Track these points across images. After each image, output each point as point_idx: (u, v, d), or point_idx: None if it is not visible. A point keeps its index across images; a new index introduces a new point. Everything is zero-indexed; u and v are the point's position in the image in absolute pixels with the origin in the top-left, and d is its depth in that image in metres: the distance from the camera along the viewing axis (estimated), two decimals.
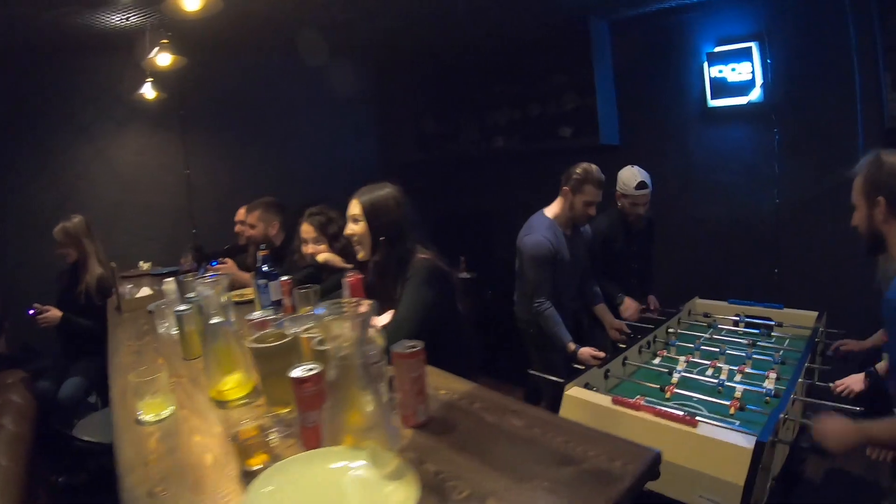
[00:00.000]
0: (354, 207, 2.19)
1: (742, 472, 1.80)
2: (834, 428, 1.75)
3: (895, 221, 1.75)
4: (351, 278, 2.22)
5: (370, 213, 2.16)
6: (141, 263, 4.69)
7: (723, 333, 3.18)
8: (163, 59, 3.71)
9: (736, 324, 3.29)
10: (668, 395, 2.44)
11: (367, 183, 2.26)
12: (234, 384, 1.72)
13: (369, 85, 6.39)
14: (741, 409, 2.23)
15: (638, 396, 2.31)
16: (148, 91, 4.30)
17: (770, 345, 2.98)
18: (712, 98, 4.19)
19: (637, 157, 3.61)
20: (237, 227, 3.99)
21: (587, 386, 2.48)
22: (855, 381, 2.38)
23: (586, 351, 2.80)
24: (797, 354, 2.71)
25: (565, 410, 2.32)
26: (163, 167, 5.22)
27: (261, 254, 2.63)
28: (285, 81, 5.66)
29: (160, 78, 4.23)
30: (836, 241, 3.77)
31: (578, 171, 2.91)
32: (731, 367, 2.65)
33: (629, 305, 3.38)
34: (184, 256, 4.25)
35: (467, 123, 5.74)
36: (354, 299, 1.39)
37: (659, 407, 2.13)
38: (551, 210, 3.04)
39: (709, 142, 4.31)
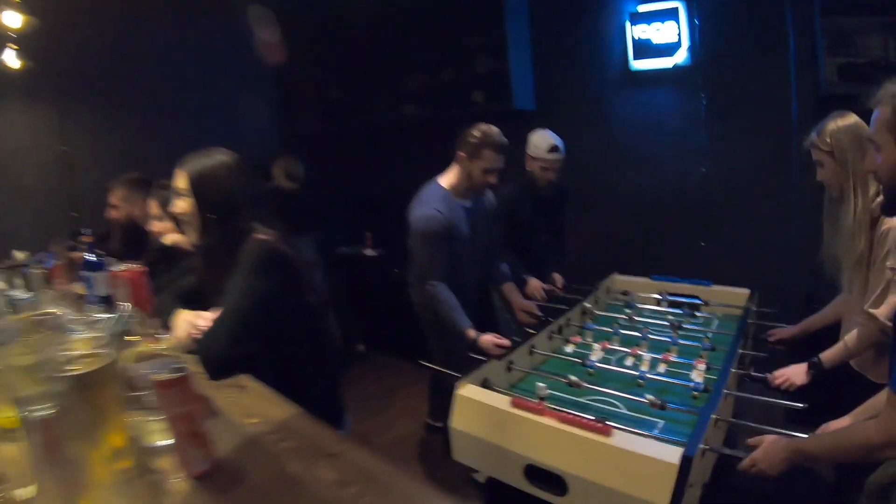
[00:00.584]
0: (180, 180, 1.76)
1: (666, 492, 1.44)
2: (764, 454, 1.51)
3: None
4: (126, 271, 1.56)
5: (197, 185, 1.74)
6: (15, 253, 3.94)
7: (644, 315, 2.83)
8: (10, 18, 3.35)
9: (658, 303, 2.96)
10: (580, 389, 2.05)
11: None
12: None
13: (269, 52, 5.74)
14: (663, 407, 1.86)
15: (540, 386, 1.91)
16: (10, 59, 3.87)
17: (697, 327, 2.64)
18: (635, 60, 3.94)
19: (554, 122, 3.36)
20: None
21: (485, 383, 2.07)
22: (796, 373, 2.05)
23: (488, 339, 2.41)
24: (728, 338, 2.38)
25: (458, 415, 1.91)
26: (37, 145, 4.65)
27: (85, 239, 2.10)
28: (176, 48, 5.12)
29: (25, 45, 3.84)
30: (767, 213, 3.61)
31: (476, 133, 2.51)
32: (655, 356, 2.29)
33: (531, 284, 3.04)
34: (56, 244, 3.55)
35: (377, 91, 5.36)
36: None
37: (566, 412, 1.72)
38: (446, 179, 2.63)
39: (631, 107, 4.07)
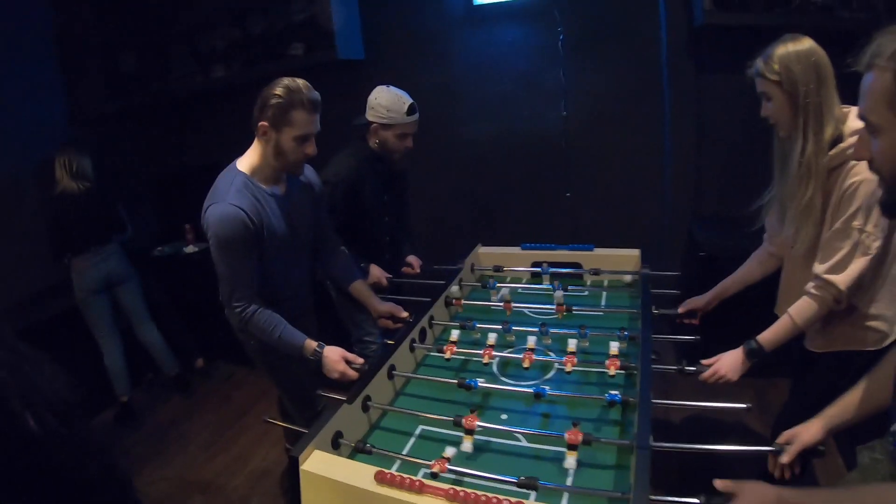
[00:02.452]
0: None
1: None
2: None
3: None
4: None
5: None
6: None
7: (524, 298, 2.38)
8: None
9: (540, 278, 2.50)
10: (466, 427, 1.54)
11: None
12: None
13: (43, 20, 4.70)
14: (585, 442, 1.42)
15: (446, 457, 1.39)
16: None
17: (597, 311, 2.25)
18: None
19: (387, 72, 3.14)
20: None
21: (336, 440, 1.53)
22: (731, 366, 1.73)
23: (333, 359, 1.88)
24: (625, 317, 2.00)
25: (308, 499, 1.40)
26: None
27: None
28: None
29: None
30: (639, 158, 3.41)
31: (278, 92, 1.85)
32: (557, 361, 1.86)
33: (372, 274, 2.54)
34: None
35: (177, 54, 4.64)
36: None
37: (454, 488, 1.25)
38: (246, 160, 1.98)
39: (477, 48, 3.69)
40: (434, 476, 1.37)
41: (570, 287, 2.38)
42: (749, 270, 2.04)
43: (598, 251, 2.54)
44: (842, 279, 1.59)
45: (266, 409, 3.31)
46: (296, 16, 3.94)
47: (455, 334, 2.01)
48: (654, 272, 2.34)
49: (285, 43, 3.99)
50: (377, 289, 2.46)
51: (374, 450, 1.49)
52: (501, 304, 2.21)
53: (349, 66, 3.84)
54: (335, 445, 1.52)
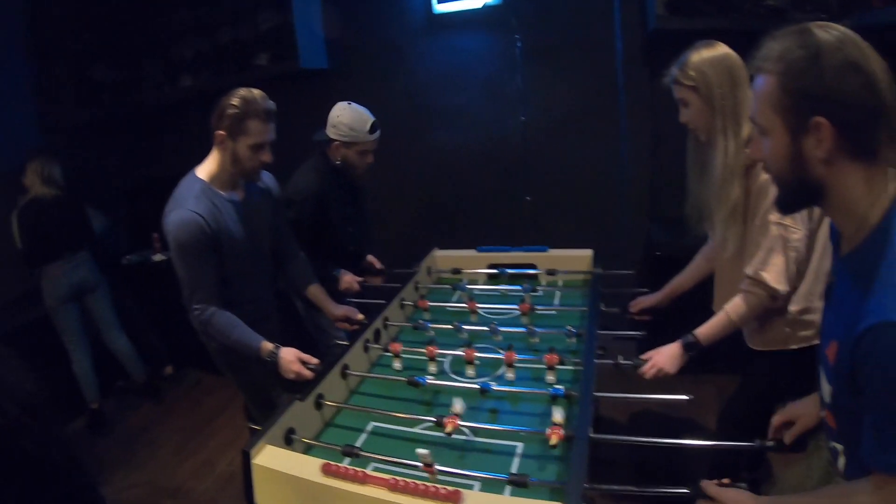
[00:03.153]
0: None
1: None
2: None
3: (845, 161, 0.95)
4: None
5: None
6: None
7: (479, 299, 2.43)
8: None
9: (498, 280, 2.58)
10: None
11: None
12: None
13: (16, 29, 4.72)
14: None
15: (424, 452, 1.39)
16: None
17: (550, 309, 2.31)
18: (439, 3, 3.57)
19: (350, 81, 3.15)
20: None
21: (289, 436, 1.58)
22: (668, 359, 1.75)
23: (288, 358, 1.90)
24: (576, 315, 2.08)
25: (259, 492, 1.45)
26: None
27: None
28: None
29: None
30: (596, 161, 3.46)
31: (234, 102, 1.92)
32: (496, 356, 1.92)
33: (344, 280, 2.56)
34: None
35: (149, 64, 4.61)
36: None
37: (396, 479, 1.29)
38: (205, 168, 2.03)
39: (438, 56, 3.71)
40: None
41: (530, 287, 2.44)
42: (697, 267, 2.09)
43: (552, 252, 2.59)
44: (770, 276, 1.60)
45: (235, 415, 3.33)
46: (262, 25, 3.91)
47: (409, 334, 2.07)
48: (610, 272, 2.40)
49: (251, 53, 3.98)
50: (350, 294, 2.52)
51: (362, 453, 1.51)
52: (465, 304, 2.26)
53: (312, 76, 3.84)
54: (288, 441, 1.56)
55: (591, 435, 1.39)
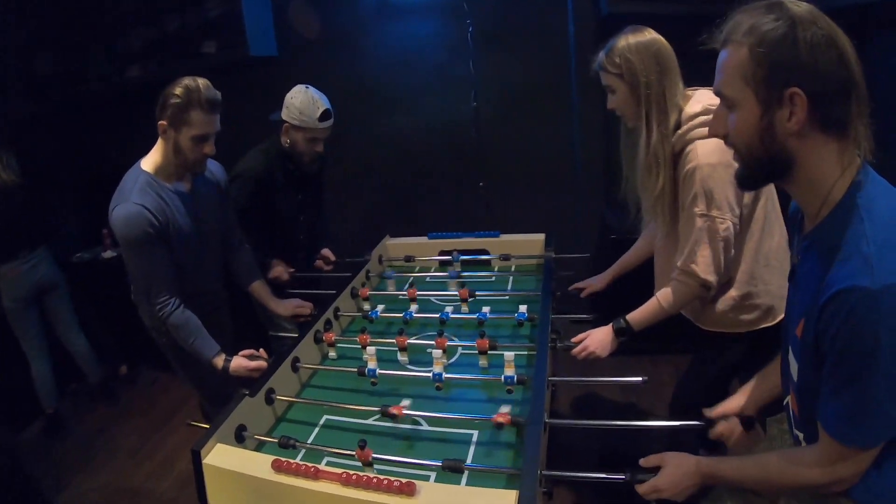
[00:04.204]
0: None
1: None
2: (670, 480, 1.18)
3: (817, 134, 0.95)
4: None
5: None
6: None
7: (431, 286, 2.43)
8: None
9: (451, 266, 2.54)
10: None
11: None
12: None
13: None
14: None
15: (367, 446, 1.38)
16: None
17: (503, 294, 2.29)
18: None
19: (300, 68, 3.11)
20: None
21: (240, 433, 1.54)
22: (600, 343, 1.76)
23: (240, 363, 1.88)
24: (528, 299, 2.07)
25: (213, 492, 1.41)
26: None
27: None
28: None
29: None
30: (549, 147, 3.45)
31: (177, 91, 1.85)
32: (462, 344, 1.91)
33: (274, 270, 2.52)
34: None
35: (96, 54, 4.49)
36: None
37: (348, 473, 1.27)
38: (149, 159, 1.97)
39: (390, 41, 3.66)
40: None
41: (481, 273, 2.45)
42: (639, 248, 2.11)
43: (504, 237, 2.59)
44: (699, 268, 1.60)
45: (192, 413, 3.27)
46: (211, 12, 3.82)
47: (360, 325, 2.04)
48: (565, 255, 2.41)
49: (199, 41, 3.89)
50: (279, 283, 2.48)
51: (298, 444, 1.50)
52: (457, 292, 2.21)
53: (261, 63, 3.78)
54: (239, 439, 1.53)
55: (547, 420, 1.39)
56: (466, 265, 2.51)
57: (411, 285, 2.32)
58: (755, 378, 1.38)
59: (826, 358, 0.94)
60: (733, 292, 1.68)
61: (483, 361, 1.80)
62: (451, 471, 1.32)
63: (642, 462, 1.23)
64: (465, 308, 2.13)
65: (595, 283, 2.19)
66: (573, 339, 1.78)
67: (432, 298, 2.31)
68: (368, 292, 2.34)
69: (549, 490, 1.27)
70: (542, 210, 3.36)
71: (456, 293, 2.18)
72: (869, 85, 0.93)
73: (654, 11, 2.86)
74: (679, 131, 1.60)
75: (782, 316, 1.63)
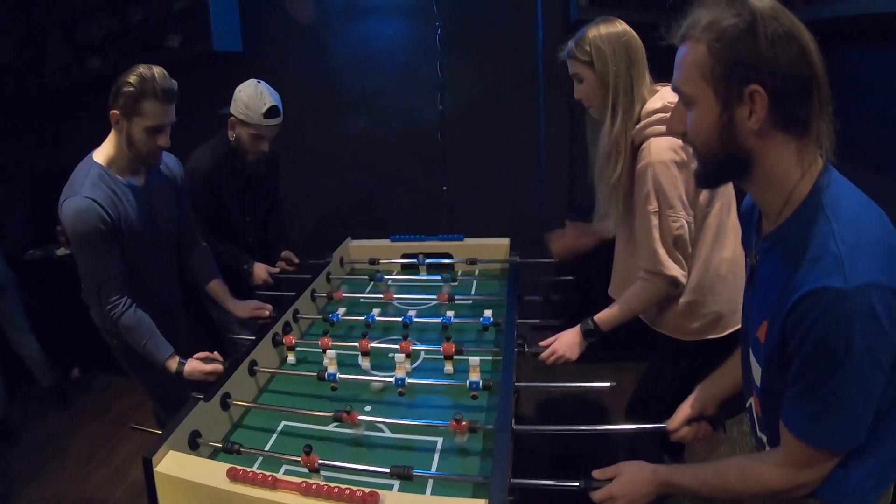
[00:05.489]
0: None
1: None
2: (625, 487, 1.16)
3: (777, 133, 0.93)
4: None
5: None
6: None
7: (393, 289, 2.39)
8: None
9: (416, 270, 2.51)
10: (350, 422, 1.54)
11: None
12: None
13: None
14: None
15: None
16: None
17: (467, 299, 2.27)
18: None
19: (265, 65, 3.12)
20: None
21: (193, 439, 1.48)
22: (569, 346, 1.74)
23: (194, 366, 1.81)
24: (493, 304, 2.06)
25: (165, 500, 1.36)
26: None
27: None
28: None
29: None
30: (515, 150, 3.46)
31: (131, 80, 1.77)
32: (426, 348, 1.87)
33: (256, 273, 2.46)
34: None
35: (55, 44, 4.41)
36: None
37: (308, 482, 1.22)
38: (102, 151, 1.89)
39: (357, 41, 3.63)
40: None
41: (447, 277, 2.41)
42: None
43: (469, 241, 2.57)
44: (663, 265, 1.59)
45: (146, 419, 3.15)
46: (176, 5, 3.78)
47: (321, 327, 2.01)
48: (530, 260, 2.39)
49: (162, 34, 3.83)
50: (265, 288, 2.43)
51: (244, 450, 1.45)
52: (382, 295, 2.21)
53: (226, 59, 3.72)
54: (193, 445, 1.47)
55: (514, 427, 1.36)
56: (432, 269, 2.48)
57: (388, 288, 2.28)
58: (710, 378, 1.37)
59: (794, 359, 0.92)
60: (682, 298, 1.68)
61: (448, 367, 1.76)
62: (399, 478, 1.29)
63: (597, 474, 1.20)
64: (450, 313, 2.07)
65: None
66: (541, 343, 1.76)
67: (395, 302, 2.27)
68: (343, 295, 2.30)
69: (517, 499, 1.23)
70: (507, 214, 3.36)
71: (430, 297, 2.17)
72: (836, 98, 0.91)
73: (624, 19, 2.87)
74: (638, 126, 1.60)
75: (732, 329, 1.66)
